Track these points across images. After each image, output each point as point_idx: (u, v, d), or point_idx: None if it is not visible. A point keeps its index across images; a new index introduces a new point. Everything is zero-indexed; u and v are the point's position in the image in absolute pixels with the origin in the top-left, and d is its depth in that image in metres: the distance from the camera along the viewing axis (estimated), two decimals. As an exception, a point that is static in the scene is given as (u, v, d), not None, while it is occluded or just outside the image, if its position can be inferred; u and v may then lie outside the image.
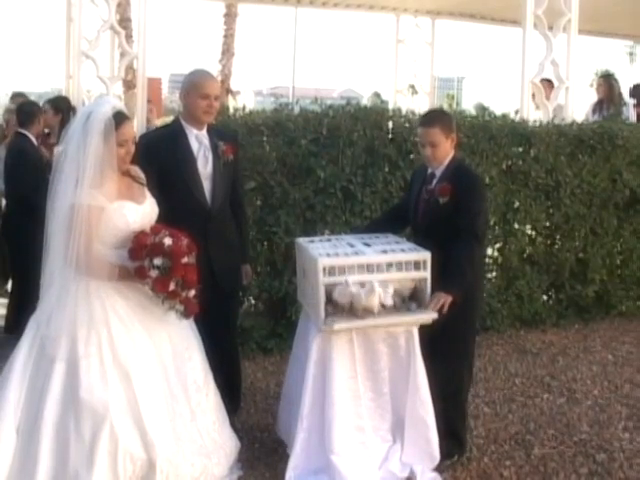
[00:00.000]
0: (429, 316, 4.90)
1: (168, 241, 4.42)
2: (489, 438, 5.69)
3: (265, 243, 7.42)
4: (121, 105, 4.71)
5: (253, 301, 7.56)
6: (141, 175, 4.73)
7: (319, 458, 4.96)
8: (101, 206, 4.38)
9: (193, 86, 5.39)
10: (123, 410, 4.37)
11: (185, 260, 4.45)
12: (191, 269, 4.50)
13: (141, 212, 4.56)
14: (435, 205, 5.33)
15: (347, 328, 4.86)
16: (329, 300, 4.81)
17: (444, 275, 4.99)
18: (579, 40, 10.29)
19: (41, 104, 8.98)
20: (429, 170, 5.50)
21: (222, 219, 5.51)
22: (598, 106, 11.35)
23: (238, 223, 5.73)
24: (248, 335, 7.19)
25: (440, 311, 4.91)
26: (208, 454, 4.72)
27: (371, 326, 4.87)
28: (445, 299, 4.93)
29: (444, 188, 5.31)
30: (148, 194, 4.70)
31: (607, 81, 11.59)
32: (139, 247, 4.38)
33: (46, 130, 8.64)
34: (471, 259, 5.23)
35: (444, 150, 5.37)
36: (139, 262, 4.37)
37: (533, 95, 9.89)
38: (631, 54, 51.29)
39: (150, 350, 4.53)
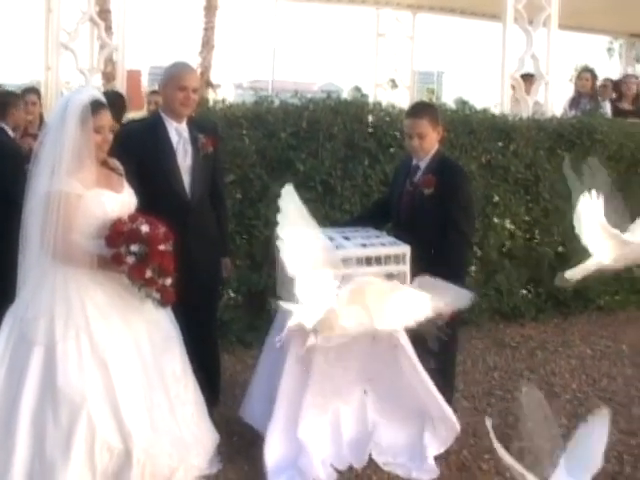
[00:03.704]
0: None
1: (145, 228, 4.40)
2: (468, 432, 5.69)
3: (244, 236, 7.40)
4: (99, 94, 4.69)
5: (232, 294, 7.53)
6: (119, 167, 4.71)
7: (295, 446, 5.00)
8: (78, 193, 4.36)
9: (171, 78, 5.38)
10: (100, 399, 4.35)
11: (162, 247, 4.44)
12: (168, 256, 4.48)
13: (119, 201, 4.54)
14: (419, 197, 5.35)
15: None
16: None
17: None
18: (559, 35, 10.33)
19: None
20: (413, 162, 5.52)
21: (202, 212, 5.49)
22: (575, 101, 11.36)
23: (218, 216, 5.71)
24: (227, 328, 7.17)
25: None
26: (186, 445, 4.71)
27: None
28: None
29: (429, 179, 5.33)
30: (126, 185, 4.68)
31: (593, 76, 11.62)
32: (116, 234, 4.36)
33: (29, 117, 8.53)
34: (462, 261, 5.28)
35: (431, 142, 5.42)
36: (116, 249, 4.35)
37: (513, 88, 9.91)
38: (610, 50, 51.46)
39: (128, 340, 4.52)
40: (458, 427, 5.24)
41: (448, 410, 5.22)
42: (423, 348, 5.06)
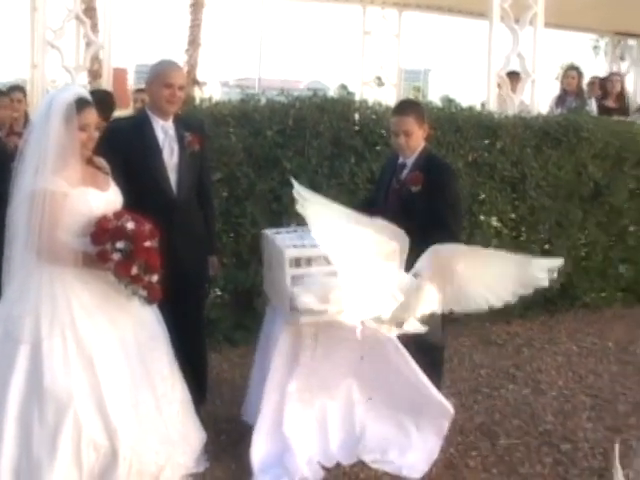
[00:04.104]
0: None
1: (130, 225, 4.39)
2: (455, 429, 5.69)
3: (231, 234, 7.39)
4: (85, 92, 4.68)
5: (219, 292, 7.52)
6: (105, 165, 4.70)
7: (281, 444, 5.01)
8: (64, 192, 4.35)
9: (157, 75, 5.37)
10: (86, 398, 4.35)
11: (147, 244, 4.43)
12: (153, 253, 4.47)
13: (105, 199, 4.53)
14: (406, 194, 5.36)
15: (313, 322, 4.86)
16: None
17: None
18: (545, 33, 10.35)
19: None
20: (400, 160, 5.53)
21: (188, 210, 5.48)
22: (561, 99, 11.39)
23: (205, 214, 5.70)
24: (214, 326, 7.15)
25: None
26: (173, 443, 4.71)
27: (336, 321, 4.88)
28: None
29: (416, 176, 5.35)
30: (112, 183, 4.67)
31: (579, 74, 11.66)
32: (101, 231, 4.35)
33: (15, 115, 8.49)
34: None
35: (417, 139, 5.44)
36: (101, 246, 4.34)
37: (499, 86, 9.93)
38: (595, 48, 51.61)
39: (114, 339, 4.51)
40: (452, 410, 5.25)
41: (439, 396, 5.22)
42: (414, 342, 5.08)
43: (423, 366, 5.18)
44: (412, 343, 5.08)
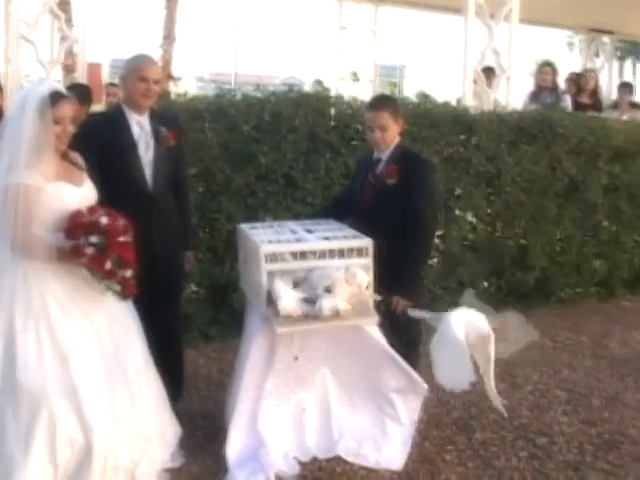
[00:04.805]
0: (373, 320, 4.95)
1: (104, 220, 4.37)
2: (431, 423, 5.72)
3: (207, 229, 7.38)
4: (61, 87, 4.66)
5: (195, 288, 7.50)
6: (80, 161, 4.68)
7: (257, 439, 5.02)
8: (38, 186, 4.32)
9: (132, 70, 5.34)
10: (61, 393, 4.32)
11: (121, 239, 4.41)
12: (127, 248, 4.45)
13: (79, 195, 4.50)
14: (382, 188, 5.37)
15: (291, 332, 4.87)
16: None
17: (400, 277, 5.06)
18: (520, 29, 10.38)
19: None
20: (375, 156, 5.53)
21: (164, 205, 5.46)
22: (536, 95, 11.43)
23: (181, 209, 5.68)
24: (190, 322, 7.13)
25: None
26: (148, 439, 4.70)
27: (316, 329, 4.87)
28: (402, 305, 5.17)
29: (391, 169, 5.36)
30: (87, 179, 4.64)
31: (554, 70, 11.70)
32: (75, 226, 4.33)
33: None
34: (424, 256, 5.31)
35: (392, 134, 5.44)
36: (75, 241, 4.32)
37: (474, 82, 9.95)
38: (570, 44, 51.87)
39: (88, 334, 4.48)
40: (425, 386, 5.25)
41: (413, 374, 5.22)
42: (390, 328, 5.11)
43: (399, 347, 5.18)
44: (388, 324, 5.10)
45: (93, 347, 4.50)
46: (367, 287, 4.84)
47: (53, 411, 4.28)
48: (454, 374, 4.99)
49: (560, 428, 5.83)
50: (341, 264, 4.82)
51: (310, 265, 4.81)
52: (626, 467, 5.24)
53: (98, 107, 9.13)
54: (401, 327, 5.21)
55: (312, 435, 5.19)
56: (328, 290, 4.70)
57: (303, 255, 4.83)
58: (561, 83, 12.00)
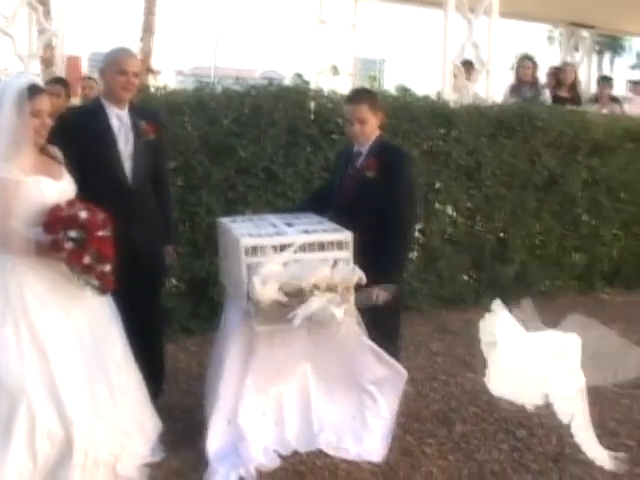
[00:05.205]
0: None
1: (83, 214, 4.35)
2: (411, 416, 5.73)
3: (187, 223, 7.36)
4: (39, 81, 4.64)
5: (175, 282, 7.49)
6: (59, 155, 4.65)
7: (237, 433, 5.02)
8: (17, 180, 4.30)
9: (111, 62, 5.31)
10: (40, 387, 4.30)
11: (100, 233, 4.39)
12: (106, 242, 4.43)
13: (58, 189, 4.48)
14: (362, 181, 5.36)
15: (270, 331, 4.86)
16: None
17: (379, 268, 5.04)
18: (500, 23, 10.40)
19: None
20: (354, 149, 5.53)
21: (144, 199, 5.43)
22: (516, 88, 11.45)
23: (161, 203, 5.66)
24: (170, 316, 7.10)
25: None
26: (128, 433, 4.68)
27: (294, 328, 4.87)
28: (382, 296, 5.12)
29: (371, 162, 5.36)
30: (66, 173, 4.62)
31: (534, 64, 11.72)
32: (54, 220, 4.31)
33: None
34: (405, 249, 5.32)
35: (371, 127, 5.43)
36: (54, 235, 4.30)
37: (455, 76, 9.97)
38: (550, 38, 52.09)
39: (67, 328, 4.46)
40: (405, 372, 5.26)
41: (393, 363, 5.22)
42: (370, 320, 5.12)
43: (379, 339, 5.19)
44: (367, 313, 5.10)
45: (72, 341, 4.48)
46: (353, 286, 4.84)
47: (32, 405, 4.26)
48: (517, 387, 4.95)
49: (540, 420, 5.84)
50: (325, 257, 4.83)
51: (290, 258, 4.80)
52: (605, 459, 5.27)
53: (74, 101, 9.09)
54: (381, 319, 5.21)
55: (292, 429, 5.19)
56: (316, 287, 4.70)
57: (283, 248, 4.82)
58: (541, 77, 12.03)
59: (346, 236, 4.91)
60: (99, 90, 6.99)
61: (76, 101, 8.84)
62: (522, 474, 5.07)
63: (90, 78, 9.70)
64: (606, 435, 5.58)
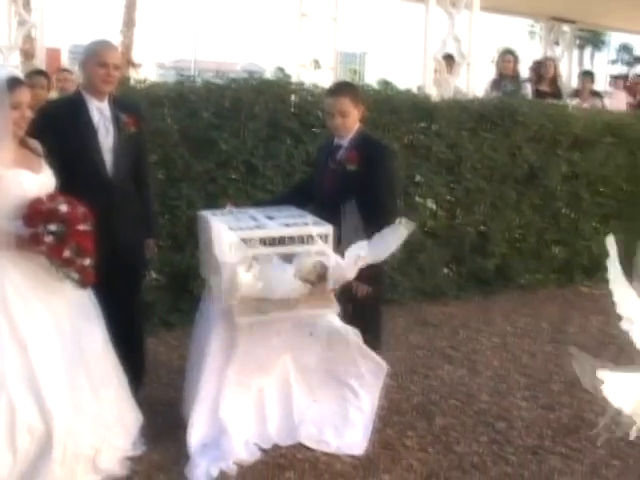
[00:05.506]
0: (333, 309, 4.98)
1: (64, 207, 4.34)
2: (391, 409, 5.74)
3: (167, 216, 7.34)
4: (19, 73, 4.62)
5: (155, 275, 7.46)
6: (38, 147, 4.63)
7: (218, 427, 5.03)
8: None
9: (92, 54, 5.29)
10: (20, 381, 4.28)
11: (81, 227, 4.38)
12: (86, 236, 4.42)
13: (38, 182, 4.46)
14: (343, 174, 5.37)
15: (250, 322, 4.87)
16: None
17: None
18: (481, 17, 10.43)
19: None
20: (335, 142, 5.53)
21: (125, 192, 5.41)
22: (497, 82, 11.47)
23: (142, 196, 5.64)
24: (150, 309, 7.08)
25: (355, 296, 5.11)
26: (109, 426, 4.68)
27: (275, 319, 4.88)
28: (363, 290, 5.14)
29: (352, 155, 5.38)
30: (45, 166, 4.60)
31: (515, 58, 11.75)
32: (34, 213, 4.30)
33: None
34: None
35: (353, 119, 5.45)
36: (34, 229, 4.28)
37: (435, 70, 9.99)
38: (532, 33, 52.23)
39: (48, 322, 4.45)
40: (385, 365, 5.28)
41: (373, 355, 5.23)
42: (351, 313, 5.13)
43: (359, 329, 5.19)
44: (349, 306, 5.11)
45: (52, 335, 4.46)
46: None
47: (12, 399, 4.24)
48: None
49: (519, 413, 5.88)
50: (306, 250, 4.84)
51: (270, 251, 4.81)
52: (584, 451, 5.29)
53: (51, 93, 9.04)
54: (362, 312, 5.22)
55: (273, 422, 5.20)
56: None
57: (264, 241, 4.82)
58: (522, 71, 12.06)
59: (327, 229, 4.92)
60: (76, 82, 6.93)
61: (53, 94, 8.78)
62: (501, 466, 5.09)
63: (66, 70, 9.64)
64: (586, 427, 5.61)
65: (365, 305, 5.22)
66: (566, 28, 15.96)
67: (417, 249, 8.65)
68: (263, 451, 5.05)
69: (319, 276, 4.81)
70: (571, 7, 14.40)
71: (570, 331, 8.05)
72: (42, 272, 4.44)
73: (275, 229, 4.92)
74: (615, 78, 14.50)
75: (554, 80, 12.10)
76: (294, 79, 9.12)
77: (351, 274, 4.87)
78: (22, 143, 4.54)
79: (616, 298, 3.95)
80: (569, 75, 15.70)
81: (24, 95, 4.44)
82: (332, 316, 5.05)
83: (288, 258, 4.83)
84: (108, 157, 5.31)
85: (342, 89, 5.61)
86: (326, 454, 5.08)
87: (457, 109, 8.85)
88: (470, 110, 8.97)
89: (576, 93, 12.50)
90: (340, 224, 4.96)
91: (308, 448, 5.12)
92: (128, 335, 5.31)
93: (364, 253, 4.84)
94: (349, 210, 5.11)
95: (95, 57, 5.27)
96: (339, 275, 4.84)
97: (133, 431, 4.94)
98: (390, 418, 5.62)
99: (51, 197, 4.42)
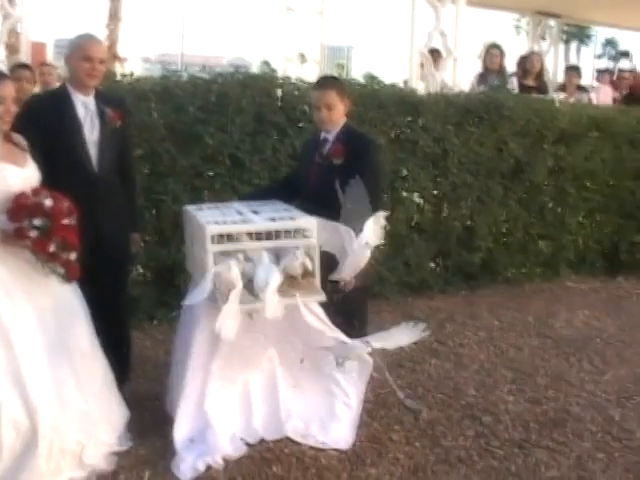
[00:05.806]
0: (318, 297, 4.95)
1: (48, 202, 4.33)
2: (378, 403, 5.74)
3: (153, 211, 7.32)
4: (2, 67, 4.60)
5: (141, 270, 7.45)
6: (23, 142, 4.62)
7: (204, 421, 5.02)
8: None
9: (77, 49, 5.27)
10: (5, 377, 4.27)
11: (65, 221, 4.37)
12: (71, 231, 4.41)
13: (22, 176, 4.45)
14: (329, 168, 5.37)
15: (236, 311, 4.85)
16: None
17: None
18: (467, 12, 10.43)
19: None
20: (321, 136, 5.53)
21: (110, 186, 5.39)
22: (483, 77, 11.47)
23: (127, 191, 5.63)
24: (136, 304, 7.06)
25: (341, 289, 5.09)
26: (95, 421, 4.67)
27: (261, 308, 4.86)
28: (351, 284, 5.12)
29: (338, 149, 5.38)
30: (30, 160, 4.59)
31: (501, 52, 11.75)
32: (19, 208, 4.29)
33: None
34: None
35: (339, 113, 5.47)
36: (19, 223, 4.27)
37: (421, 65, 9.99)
38: (517, 27, 52.31)
39: (32, 317, 4.43)
40: (371, 360, 5.27)
41: (359, 351, 5.23)
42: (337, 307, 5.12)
43: (346, 323, 5.18)
44: (335, 300, 5.10)
45: (38, 330, 4.45)
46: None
47: (-3, 395, 4.24)
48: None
49: (506, 407, 5.89)
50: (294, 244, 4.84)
51: (256, 246, 4.80)
52: (570, 444, 5.31)
53: (35, 88, 9.00)
54: (348, 307, 5.21)
55: (259, 416, 5.19)
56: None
57: (250, 236, 4.82)
58: (508, 65, 12.07)
59: (312, 224, 4.92)
60: (58, 76, 6.89)
61: (36, 88, 8.74)
62: (488, 460, 5.09)
63: (48, 64, 9.59)
64: (572, 420, 5.64)
65: (352, 299, 5.21)
66: (552, 23, 15.97)
67: (403, 243, 8.66)
68: (249, 445, 5.04)
69: (305, 272, 4.82)
70: (557, 1, 14.42)
71: (556, 325, 8.06)
72: (27, 267, 4.43)
73: (260, 223, 4.91)
74: (601, 72, 14.49)
75: (540, 75, 12.10)
76: (280, 73, 9.09)
77: (364, 261, 4.91)
78: (6, 137, 4.53)
79: None
80: (555, 70, 15.71)
81: (8, 89, 4.43)
82: (319, 310, 5.03)
83: (274, 252, 4.83)
84: (93, 151, 5.29)
85: (328, 82, 5.63)
86: (312, 448, 5.08)
87: (443, 103, 8.85)
88: (456, 104, 8.96)
89: (562, 87, 12.51)
90: (326, 217, 4.95)
91: (294, 442, 5.11)
92: (114, 330, 5.31)
93: (376, 344, 4.98)
94: (335, 204, 5.09)
95: (80, 51, 5.24)
96: (356, 264, 4.87)
97: (119, 426, 4.93)
98: (377, 412, 5.63)
99: (36, 191, 4.41)
